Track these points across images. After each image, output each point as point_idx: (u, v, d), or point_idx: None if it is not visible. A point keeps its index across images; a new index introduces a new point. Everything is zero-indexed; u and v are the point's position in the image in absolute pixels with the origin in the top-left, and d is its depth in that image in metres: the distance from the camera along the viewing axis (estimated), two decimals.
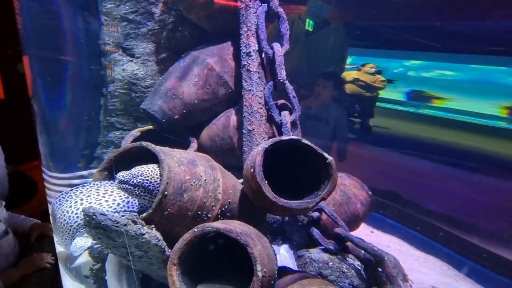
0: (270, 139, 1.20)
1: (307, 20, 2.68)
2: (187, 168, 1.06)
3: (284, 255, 1.59)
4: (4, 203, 1.51)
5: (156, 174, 1.05)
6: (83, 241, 1.21)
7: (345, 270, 1.42)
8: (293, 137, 1.19)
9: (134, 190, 1.04)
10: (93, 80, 1.94)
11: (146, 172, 1.05)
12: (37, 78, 1.90)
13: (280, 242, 1.69)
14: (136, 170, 1.05)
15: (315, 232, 1.53)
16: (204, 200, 1.08)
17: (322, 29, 2.71)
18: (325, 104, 2.76)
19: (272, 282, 1.03)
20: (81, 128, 2.01)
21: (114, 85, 1.91)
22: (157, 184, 1.04)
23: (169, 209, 1.00)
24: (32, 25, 1.84)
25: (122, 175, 1.03)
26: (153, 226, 1.00)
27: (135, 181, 1.03)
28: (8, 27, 2.25)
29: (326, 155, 1.15)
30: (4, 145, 2.05)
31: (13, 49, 2.34)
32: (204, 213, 1.09)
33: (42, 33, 1.85)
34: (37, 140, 1.89)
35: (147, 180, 1.03)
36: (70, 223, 1.21)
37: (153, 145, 1.04)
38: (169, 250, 1.02)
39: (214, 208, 1.12)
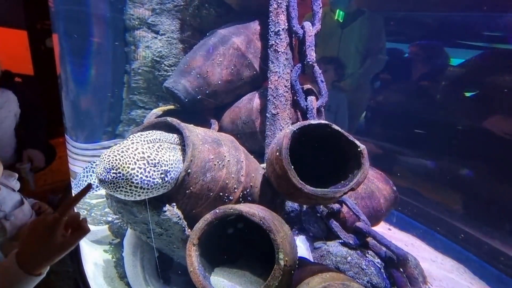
0: (298, 123, 1.13)
1: (337, 11, 2.50)
2: (211, 147, 1.02)
3: (300, 246, 1.54)
4: (16, 175, 1.51)
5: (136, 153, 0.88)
6: None
7: (364, 267, 1.36)
8: (323, 121, 1.12)
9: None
10: (117, 56, 1.92)
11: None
12: (66, 54, 1.90)
13: (296, 232, 1.64)
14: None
15: (334, 224, 1.47)
16: (227, 182, 1.04)
17: (357, 19, 2.49)
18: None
19: (292, 272, 0.99)
20: (105, 105, 2.02)
21: (138, 62, 1.88)
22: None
23: (191, 188, 0.97)
24: (62, 3, 1.82)
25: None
26: (174, 204, 0.97)
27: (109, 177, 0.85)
28: (37, 1, 2.24)
29: (357, 142, 1.07)
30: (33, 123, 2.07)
31: (42, 23, 2.31)
32: (226, 194, 1.06)
33: (70, 10, 1.83)
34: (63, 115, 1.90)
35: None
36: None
37: (178, 121, 1.00)
38: (189, 230, 0.99)
39: (236, 190, 1.08)
